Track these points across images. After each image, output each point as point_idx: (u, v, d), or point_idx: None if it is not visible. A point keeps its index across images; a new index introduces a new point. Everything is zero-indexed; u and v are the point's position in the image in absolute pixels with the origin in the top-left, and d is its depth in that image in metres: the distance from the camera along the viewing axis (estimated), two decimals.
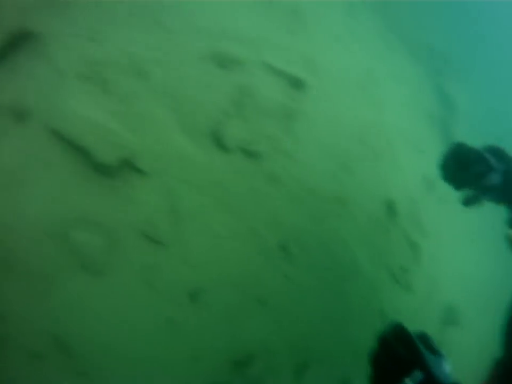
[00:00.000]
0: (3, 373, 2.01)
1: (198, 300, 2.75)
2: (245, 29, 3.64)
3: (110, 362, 2.28)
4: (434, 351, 1.06)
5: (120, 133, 2.64)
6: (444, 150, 2.27)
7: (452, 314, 4.69)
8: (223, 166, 2.89)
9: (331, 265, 3.59)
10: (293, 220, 3.22)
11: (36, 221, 2.28)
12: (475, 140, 2.42)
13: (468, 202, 2.28)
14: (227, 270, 2.89)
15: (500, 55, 7.59)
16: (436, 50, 6.93)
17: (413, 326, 1.11)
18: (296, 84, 3.54)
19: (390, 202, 4.34)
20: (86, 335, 2.24)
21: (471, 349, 4.38)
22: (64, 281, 2.27)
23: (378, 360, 1.07)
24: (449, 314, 4.66)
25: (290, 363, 2.97)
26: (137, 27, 3.14)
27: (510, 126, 6.49)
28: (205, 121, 2.93)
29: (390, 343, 1.05)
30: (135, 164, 2.63)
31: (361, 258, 3.86)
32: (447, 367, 1.06)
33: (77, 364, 2.18)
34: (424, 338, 1.11)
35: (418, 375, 0.96)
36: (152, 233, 2.61)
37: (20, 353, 2.05)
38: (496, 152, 2.11)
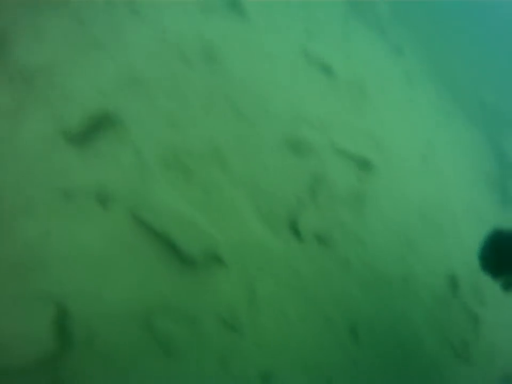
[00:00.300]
0: None
1: (269, 382, 2.84)
2: (315, 111, 3.89)
3: None
4: None
5: (203, 224, 2.81)
6: (483, 237, 2.28)
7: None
8: (298, 253, 3.04)
9: (396, 344, 3.59)
10: (362, 303, 3.29)
11: (120, 305, 2.38)
12: None
13: (507, 286, 2.36)
14: (298, 354, 2.98)
15: None
16: (489, 104, 6.89)
17: None
18: (364, 165, 3.70)
19: (452, 276, 4.29)
20: None
21: None
22: (144, 363, 2.39)
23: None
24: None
25: None
26: (214, 113, 3.46)
27: None
28: (282, 210, 3.12)
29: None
30: (216, 254, 2.79)
31: (425, 335, 3.82)
32: None
33: None
34: None
35: None
36: (230, 319, 2.75)
37: None
38: None
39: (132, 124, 3.07)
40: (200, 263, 2.71)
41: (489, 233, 2.27)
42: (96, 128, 2.95)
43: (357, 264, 3.24)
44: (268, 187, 3.17)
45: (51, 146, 2.84)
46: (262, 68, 3.87)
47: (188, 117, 3.31)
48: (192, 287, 2.65)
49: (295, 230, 3.07)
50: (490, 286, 5.06)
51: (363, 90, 4.41)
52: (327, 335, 3.16)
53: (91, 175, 2.75)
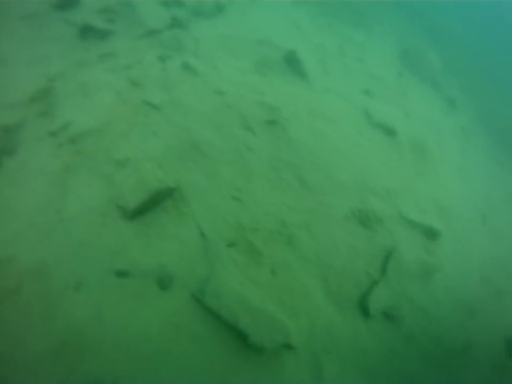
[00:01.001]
0: None
1: None
2: (380, 178, 3.84)
3: None
4: None
5: (272, 311, 2.67)
6: None
7: None
8: (365, 333, 2.94)
9: None
10: (425, 376, 3.18)
11: None
12: None
13: None
14: None
15: None
16: None
17: None
18: (430, 233, 3.61)
19: (510, 339, 4.08)
20: None
21: None
22: None
23: None
24: None
25: None
26: (280, 184, 3.44)
27: None
28: (351, 288, 3.04)
29: None
30: (286, 341, 2.64)
31: None
32: None
33: None
34: None
35: None
36: None
37: None
38: None
39: (194, 198, 3.05)
40: (269, 349, 2.55)
41: None
42: (155, 201, 2.92)
43: (421, 338, 3.13)
44: (338, 264, 3.08)
45: (104, 220, 2.82)
46: (326, 133, 3.92)
47: (252, 189, 3.27)
48: (258, 373, 2.50)
49: (363, 309, 2.98)
50: None
51: (423, 149, 4.38)
52: None
53: (149, 253, 2.67)
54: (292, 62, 4.38)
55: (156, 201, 2.95)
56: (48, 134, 3.48)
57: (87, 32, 4.12)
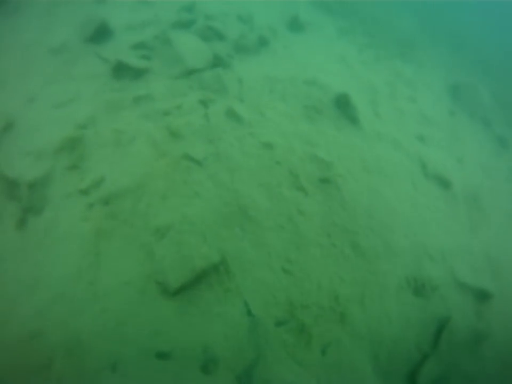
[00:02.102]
0: None
1: None
2: (436, 239, 3.48)
3: None
4: None
5: None
6: None
7: None
8: None
9: None
10: None
11: None
12: None
13: None
14: None
15: None
16: None
17: None
18: (482, 296, 3.31)
19: None
20: None
21: None
22: None
23: None
24: None
25: None
26: (333, 252, 3.08)
27: None
28: (401, 362, 2.68)
29: None
30: None
31: None
32: None
33: None
34: None
35: None
36: None
37: None
38: None
39: (240, 271, 2.76)
40: None
41: None
42: (199, 279, 2.64)
43: None
44: (389, 338, 2.76)
45: (142, 296, 2.53)
46: (381, 191, 3.55)
47: (303, 259, 2.95)
48: None
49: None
50: None
51: (476, 199, 4.01)
52: None
53: (192, 333, 2.43)
54: (342, 106, 3.98)
55: (200, 278, 2.65)
56: (78, 191, 3.07)
57: (120, 70, 3.72)
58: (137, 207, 3.00)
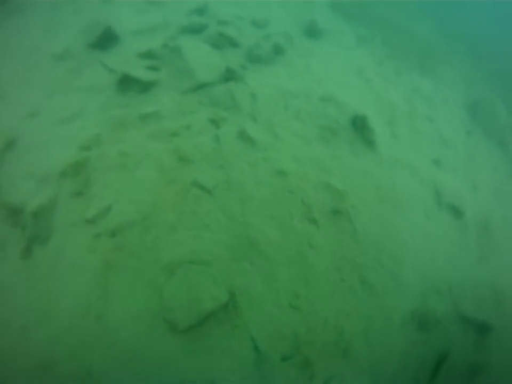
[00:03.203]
0: None
1: None
2: (444, 272, 3.41)
3: None
4: None
5: None
6: None
7: None
8: None
9: None
10: None
11: None
12: None
13: None
14: None
15: None
16: None
17: None
18: (483, 329, 3.26)
19: None
20: None
21: None
22: None
23: None
24: None
25: None
26: (341, 287, 3.03)
27: None
28: None
29: None
30: None
31: None
32: None
33: None
34: None
35: None
36: None
37: None
38: None
39: (249, 306, 2.72)
40: None
41: None
42: (207, 316, 2.61)
43: None
44: (389, 372, 2.78)
45: (150, 332, 2.51)
46: (393, 222, 3.47)
47: (311, 295, 2.91)
48: None
49: None
50: None
51: (488, 228, 3.90)
52: None
53: (199, 368, 2.43)
54: (359, 128, 3.80)
55: (209, 318, 2.62)
56: (84, 221, 2.96)
57: (127, 83, 3.52)
58: (145, 239, 2.92)
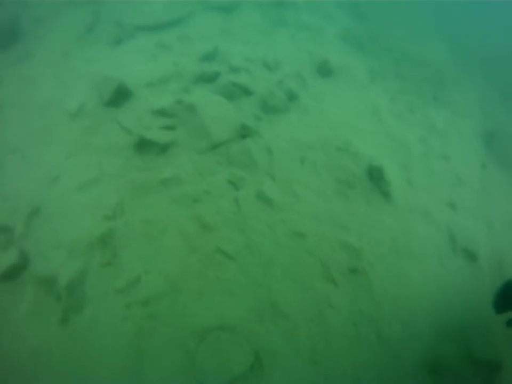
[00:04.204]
0: None
1: None
2: (456, 318, 3.62)
3: None
4: None
5: None
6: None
7: None
8: None
9: None
10: None
11: None
12: None
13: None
14: None
15: None
16: None
17: None
18: (494, 368, 3.44)
19: None
20: None
21: None
22: None
23: None
24: None
25: None
26: (357, 341, 3.18)
27: None
28: None
29: None
30: None
31: None
32: None
33: None
34: None
35: None
36: None
37: None
38: None
39: (271, 364, 2.90)
40: None
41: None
42: (236, 378, 2.78)
43: None
44: None
45: None
46: (409, 274, 3.66)
47: (330, 350, 3.09)
48: None
49: None
50: None
51: (502, 267, 4.01)
52: None
53: None
54: (375, 179, 3.92)
55: (237, 379, 2.82)
56: (115, 291, 3.12)
57: (144, 145, 3.54)
58: (174, 307, 3.12)
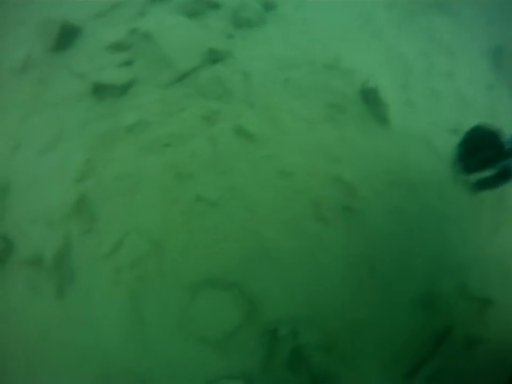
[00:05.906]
0: None
1: None
2: (453, 252, 3.35)
3: None
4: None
5: None
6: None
7: None
8: None
9: None
10: None
11: None
12: None
13: (479, 186, 2.36)
14: None
15: None
16: None
17: None
18: (487, 304, 3.28)
19: None
20: None
21: None
22: None
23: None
24: None
25: None
26: (352, 281, 3.00)
27: None
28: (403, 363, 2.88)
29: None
30: None
31: None
32: None
33: None
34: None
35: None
36: None
37: None
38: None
39: (268, 308, 2.79)
40: None
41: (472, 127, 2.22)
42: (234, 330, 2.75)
43: None
44: (394, 347, 2.87)
45: (186, 343, 2.65)
46: (406, 209, 3.28)
47: (323, 291, 2.93)
48: None
49: None
50: None
51: (503, 199, 3.64)
52: None
53: (229, 367, 2.59)
54: (370, 102, 3.33)
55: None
56: (101, 257, 2.98)
57: (102, 90, 3.05)
58: (162, 266, 3.00)
